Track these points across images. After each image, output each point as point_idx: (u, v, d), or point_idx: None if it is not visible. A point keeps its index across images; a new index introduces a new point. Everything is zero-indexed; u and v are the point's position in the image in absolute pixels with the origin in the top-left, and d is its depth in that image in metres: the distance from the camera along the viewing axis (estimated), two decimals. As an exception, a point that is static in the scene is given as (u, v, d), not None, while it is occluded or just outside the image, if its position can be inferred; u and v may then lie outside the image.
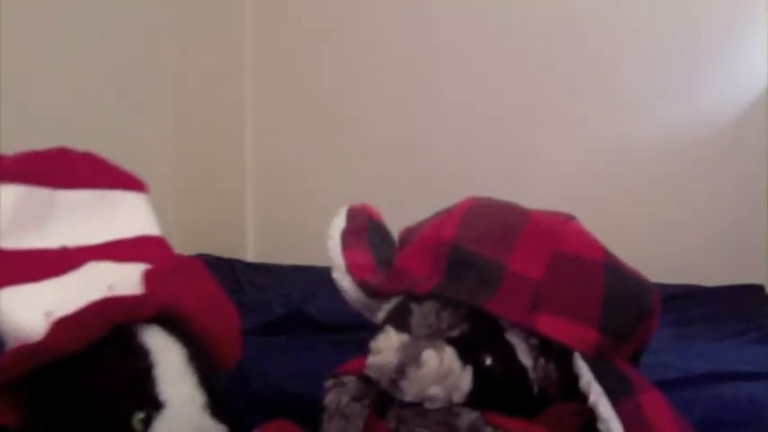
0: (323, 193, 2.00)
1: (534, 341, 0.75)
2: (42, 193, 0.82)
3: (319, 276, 1.54)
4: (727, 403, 0.90)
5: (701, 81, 1.73)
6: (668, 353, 1.04)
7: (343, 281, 0.93)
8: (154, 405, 0.67)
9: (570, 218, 0.85)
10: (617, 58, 1.78)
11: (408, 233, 0.92)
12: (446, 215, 0.87)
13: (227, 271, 1.70)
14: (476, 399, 0.72)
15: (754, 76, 1.68)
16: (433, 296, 0.77)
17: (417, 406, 0.71)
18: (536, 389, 0.75)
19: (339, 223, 1.00)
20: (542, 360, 0.75)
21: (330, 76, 2.02)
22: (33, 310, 0.69)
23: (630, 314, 0.77)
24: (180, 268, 0.82)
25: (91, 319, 0.67)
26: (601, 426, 0.66)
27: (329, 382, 0.80)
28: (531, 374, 0.75)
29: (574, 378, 0.71)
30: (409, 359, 0.71)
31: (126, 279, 0.77)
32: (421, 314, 0.76)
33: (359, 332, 1.11)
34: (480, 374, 0.73)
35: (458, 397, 0.71)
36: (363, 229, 0.99)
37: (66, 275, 0.76)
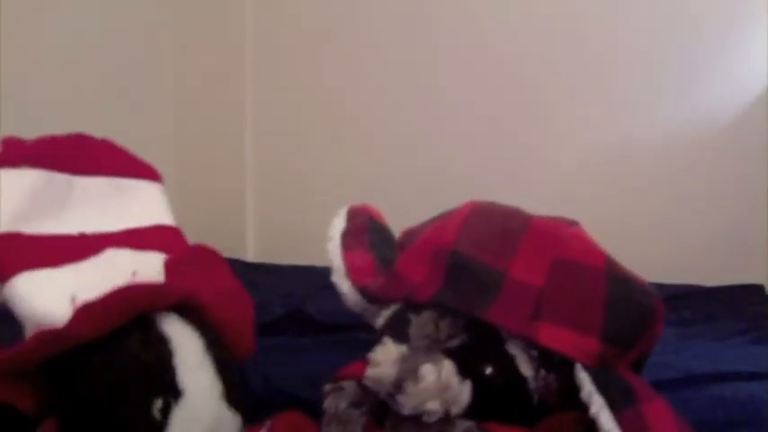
0: (323, 193, 2.00)
1: (534, 352, 0.73)
2: (61, 178, 0.82)
3: (319, 276, 1.54)
4: (728, 403, 0.90)
5: (701, 81, 1.73)
6: (668, 353, 1.04)
7: (343, 285, 0.92)
8: (173, 393, 0.67)
9: (573, 223, 0.83)
10: (617, 58, 1.78)
11: (409, 235, 0.91)
12: (446, 219, 0.86)
13: (227, 271, 1.70)
14: (475, 410, 0.71)
15: (754, 76, 1.68)
16: (432, 304, 0.76)
17: (414, 416, 0.71)
18: (536, 399, 0.74)
19: (339, 224, 0.98)
20: (543, 371, 0.74)
21: (330, 76, 2.02)
22: (52, 294, 0.69)
23: (633, 322, 0.76)
24: (199, 258, 0.82)
25: (116, 306, 0.67)
26: None
27: (328, 387, 0.79)
28: (532, 385, 0.74)
29: (575, 388, 0.70)
30: (407, 373, 0.70)
31: (147, 267, 0.77)
32: (419, 324, 0.75)
33: (359, 332, 1.11)
34: (480, 385, 0.72)
35: (456, 410, 0.71)
36: (364, 229, 0.98)
37: (85, 261, 0.75)
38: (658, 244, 1.73)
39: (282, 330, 1.24)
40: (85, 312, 0.65)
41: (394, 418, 0.72)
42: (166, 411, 0.66)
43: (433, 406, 0.69)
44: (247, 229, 2.13)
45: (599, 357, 0.71)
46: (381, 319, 0.82)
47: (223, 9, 2.08)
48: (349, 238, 0.95)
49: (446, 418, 0.70)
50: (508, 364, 0.73)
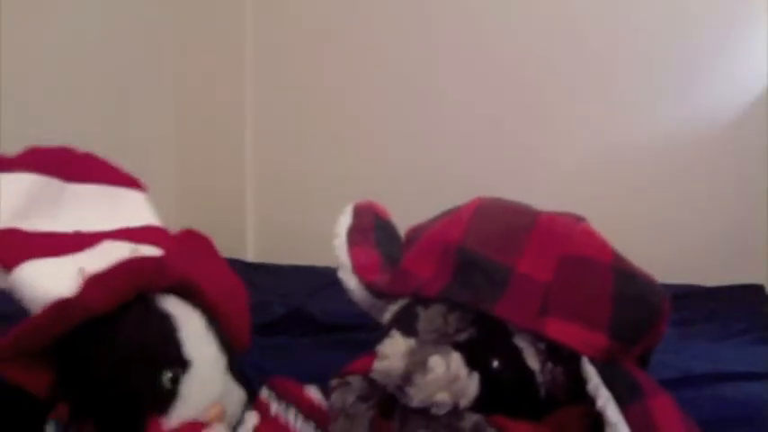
0: (323, 193, 2.00)
1: (542, 345, 0.74)
2: (55, 183, 0.85)
3: (319, 276, 1.54)
4: (728, 403, 0.90)
5: (701, 81, 1.73)
6: (668, 353, 1.04)
7: (350, 281, 0.92)
8: (180, 364, 0.69)
9: (580, 219, 0.84)
10: (617, 58, 1.78)
11: (414, 232, 0.91)
12: (453, 216, 0.86)
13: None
14: (483, 403, 0.72)
15: (754, 76, 1.69)
16: (440, 299, 0.77)
17: (422, 408, 0.71)
18: (543, 392, 0.74)
19: (345, 221, 0.98)
20: (550, 364, 0.74)
21: (330, 76, 2.02)
22: (57, 278, 0.71)
23: (640, 317, 0.76)
24: (194, 244, 0.84)
25: (122, 277, 0.69)
26: (609, 430, 0.66)
27: (334, 382, 0.79)
28: (539, 378, 0.74)
29: (582, 382, 0.70)
30: (416, 365, 0.70)
31: (144, 250, 0.79)
32: (427, 318, 0.75)
33: (359, 332, 1.11)
34: (487, 378, 0.72)
35: (465, 402, 0.71)
36: (370, 227, 0.98)
37: (83, 252, 0.77)
38: (658, 244, 1.72)
39: (282, 330, 1.25)
40: (94, 283, 0.68)
41: (402, 412, 0.72)
42: (176, 381, 0.68)
43: (442, 397, 0.70)
44: (247, 229, 2.13)
45: (606, 352, 0.72)
46: (389, 313, 0.82)
47: (223, 9, 2.08)
48: (355, 235, 0.96)
49: (455, 412, 0.70)
50: (515, 357, 0.74)
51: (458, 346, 0.73)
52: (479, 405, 0.71)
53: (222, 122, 2.11)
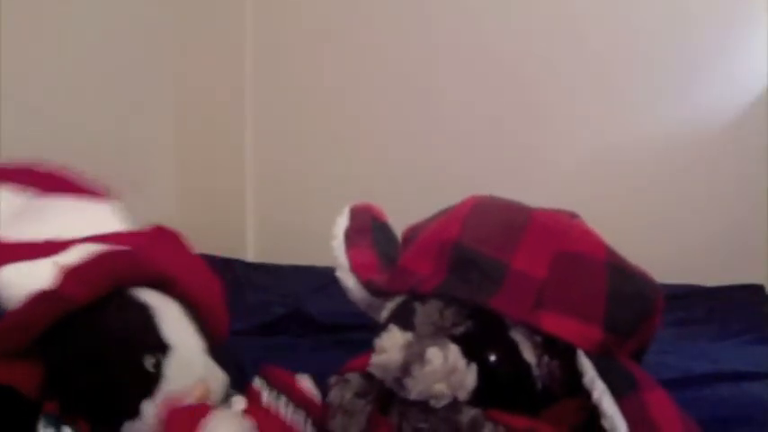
0: (323, 193, 2.00)
1: (538, 338, 0.75)
2: (27, 197, 0.88)
3: (319, 276, 1.54)
4: (727, 403, 0.90)
5: (701, 81, 1.73)
6: (668, 353, 1.04)
7: (348, 280, 0.93)
8: (161, 348, 0.71)
9: (573, 216, 0.85)
10: (617, 58, 1.78)
11: (412, 231, 0.92)
12: (449, 214, 0.87)
13: (228, 271, 1.70)
14: (480, 396, 0.72)
15: (754, 76, 1.68)
16: (437, 294, 0.77)
17: (420, 402, 0.71)
18: (540, 386, 0.75)
19: (343, 222, 1.00)
20: (546, 357, 0.75)
21: (330, 76, 2.02)
22: (35, 280, 0.72)
23: (634, 311, 0.77)
24: (163, 238, 0.86)
25: (98, 267, 0.72)
26: (605, 423, 0.66)
27: (332, 379, 0.80)
28: (535, 371, 0.75)
29: (578, 375, 0.71)
30: (414, 357, 0.71)
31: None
32: (424, 313, 0.76)
33: (359, 332, 1.11)
34: (484, 372, 0.73)
35: (463, 395, 0.71)
36: (367, 228, 1.00)
37: (59, 255, 0.79)
38: (658, 244, 1.72)
39: (282, 330, 1.25)
40: (71, 273, 0.70)
41: (401, 406, 0.73)
42: (158, 365, 0.70)
43: (441, 389, 0.70)
44: (247, 229, 2.13)
45: (600, 345, 0.73)
46: (386, 310, 0.83)
47: (223, 9, 2.08)
48: (353, 236, 0.97)
49: (453, 405, 0.71)
50: (512, 350, 0.74)
51: (455, 340, 0.73)
52: (476, 399, 0.72)
53: (222, 122, 2.11)
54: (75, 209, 0.92)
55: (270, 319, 1.29)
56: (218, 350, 0.78)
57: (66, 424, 0.69)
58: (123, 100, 1.85)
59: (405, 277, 0.83)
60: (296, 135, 2.07)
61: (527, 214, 0.83)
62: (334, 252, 0.95)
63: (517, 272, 0.76)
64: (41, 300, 0.68)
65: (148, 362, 0.70)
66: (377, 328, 0.82)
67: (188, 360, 0.72)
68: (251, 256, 2.09)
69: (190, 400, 0.70)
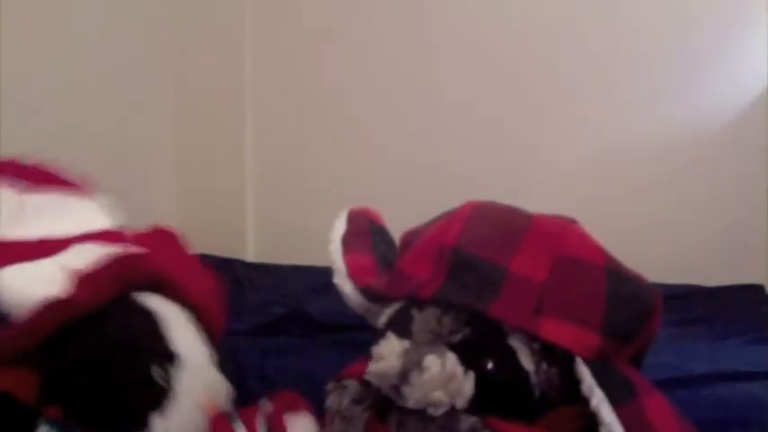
0: (323, 193, 2.00)
1: (536, 346, 0.74)
2: (11, 196, 0.86)
3: (319, 276, 1.54)
4: (727, 403, 0.90)
5: (701, 81, 1.73)
6: (668, 353, 1.04)
7: (345, 286, 0.93)
8: (168, 357, 0.69)
9: (572, 221, 0.85)
10: (617, 58, 1.78)
11: (410, 236, 0.92)
12: (448, 218, 0.87)
13: (228, 271, 1.70)
14: (478, 404, 0.72)
15: (754, 76, 1.68)
16: (435, 301, 0.77)
17: (418, 410, 0.71)
18: (537, 393, 0.75)
19: (340, 227, 0.99)
20: (544, 365, 0.75)
21: (330, 76, 2.02)
22: (36, 282, 0.71)
23: (632, 317, 0.77)
24: (163, 240, 0.85)
25: (109, 273, 0.70)
26: (603, 430, 0.66)
27: (330, 385, 0.80)
28: (533, 379, 0.74)
29: (576, 382, 0.71)
30: (412, 364, 0.71)
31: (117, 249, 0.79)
32: (422, 320, 0.76)
33: (359, 332, 1.11)
34: (482, 379, 0.72)
35: (461, 402, 0.71)
36: (364, 232, 0.99)
37: (58, 255, 0.78)
38: (658, 244, 1.73)
39: (282, 330, 1.25)
40: (82, 280, 0.68)
41: (398, 414, 0.73)
42: (167, 377, 0.68)
43: (438, 396, 0.70)
44: (247, 229, 2.13)
45: (599, 351, 0.72)
46: (384, 316, 0.83)
47: (223, 9, 2.08)
48: (350, 241, 0.97)
49: (451, 413, 0.71)
50: (510, 357, 0.74)
51: (452, 348, 0.73)
52: (474, 406, 0.72)
53: (222, 122, 2.11)
54: (63, 205, 0.90)
55: (270, 319, 1.29)
56: (221, 356, 0.76)
57: (71, 430, 0.68)
58: (123, 100, 1.85)
59: (403, 281, 0.83)
60: (296, 135, 2.07)
61: (526, 219, 0.83)
62: (332, 257, 0.95)
63: (516, 276, 0.76)
64: (55, 307, 0.66)
65: (156, 372, 0.68)
66: (375, 333, 0.81)
67: (197, 371, 0.70)
68: (251, 256, 2.09)
69: (200, 413, 0.68)
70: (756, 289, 1.54)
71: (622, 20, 1.77)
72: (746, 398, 0.91)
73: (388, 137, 1.98)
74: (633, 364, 0.79)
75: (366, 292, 0.90)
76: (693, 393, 0.90)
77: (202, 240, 1.97)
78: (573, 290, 0.76)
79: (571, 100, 1.82)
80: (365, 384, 0.76)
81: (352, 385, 0.78)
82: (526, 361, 0.74)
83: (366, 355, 0.77)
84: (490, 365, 0.73)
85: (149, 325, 0.71)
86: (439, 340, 0.74)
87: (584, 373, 0.70)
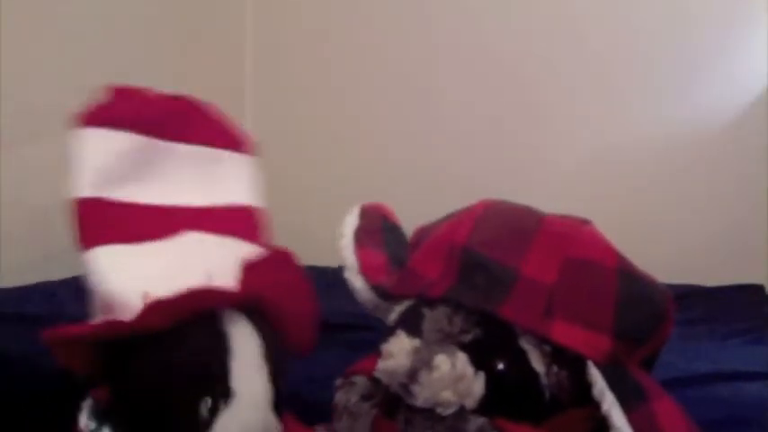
0: (323, 193, 2.00)
1: (547, 348, 0.74)
2: (154, 143, 0.79)
3: (320, 276, 1.54)
4: (728, 403, 0.90)
5: (701, 81, 1.73)
6: (668, 353, 1.04)
7: (356, 281, 0.92)
8: (223, 394, 0.65)
9: (585, 222, 0.84)
10: (617, 58, 1.78)
11: (422, 233, 0.91)
12: (460, 217, 0.86)
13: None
14: (487, 404, 0.71)
15: (754, 76, 1.69)
16: (446, 300, 0.77)
17: (426, 410, 0.71)
18: (548, 395, 0.74)
19: (352, 222, 0.98)
20: (555, 367, 0.74)
21: (330, 76, 2.02)
22: (129, 275, 0.68)
23: (644, 320, 0.76)
24: (273, 258, 0.80)
25: (183, 307, 0.65)
26: None
27: (339, 381, 0.80)
28: (544, 381, 0.74)
29: (587, 385, 0.71)
30: (421, 363, 0.70)
31: (224, 257, 0.74)
32: (433, 319, 0.75)
33: (360, 332, 1.11)
34: (492, 380, 0.72)
35: (470, 403, 0.71)
36: (377, 228, 0.98)
37: (165, 241, 0.73)
38: (658, 244, 1.73)
39: (282, 330, 1.24)
40: (153, 309, 0.64)
41: (406, 412, 0.72)
42: (215, 411, 0.64)
43: (447, 396, 0.70)
44: (247, 229, 2.13)
45: (610, 354, 0.72)
46: (395, 314, 0.82)
47: (223, 9, 2.08)
48: (362, 236, 0.96)
49: (459, 414, 0.70)
50: (521, 359, 0.73)
51: (463, 347, 0.73)
52: (483, 407, 0.71)
53: (222, 122, 2.11)
54: (204, 162, 0.82)
55: (270, 319, 1.28)
56: (280, 395, 0.71)
57: (109, 423, 0.66)
58: (123, 100, 1.85)
59: (413, 280, 0.82)
60: (296, 135, 2.07)
61: (537, 219, 0.82)
62: (343, 252, 0.94)
63: (527, 278, 0.75)
64: (114, 327, 0.63)
65: (206, 404, 0.63)
66: (381, 330, 0.81)
67: (247, 413, 0.65)
68: (251, 256, 2.08)
69: None
70: (756, 289, 1.54)
71: (622, 20, 1.78)
72: (746, 398, 0.91)
73: (388, 137, 1.98)
74: (644, 368, 0.79)
75: (377, 289, 0.89)
76: (693, 393, 0.90)
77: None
78: (584, 292, 0.75)
79: (571, 100, 1.83)
80: (374, 381, 0.76)
81: (361, 381, 0.78)
82: (537, 363, 0.74)
83: (375, 354, 0.77)
84: (501, 366, 0.73)
85: (217, 354, 0.66)
86: (449, 340, 0.73)
87: (596, 376, 0.70)
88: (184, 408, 0.64)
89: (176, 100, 0.87)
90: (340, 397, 0.77)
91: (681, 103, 1.75)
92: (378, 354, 0.76)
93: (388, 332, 0.78)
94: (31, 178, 1.53)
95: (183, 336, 0.65)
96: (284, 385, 0.71)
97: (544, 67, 1.83)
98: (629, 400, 0.67)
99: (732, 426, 0.85)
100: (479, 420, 0.70)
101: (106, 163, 0.74)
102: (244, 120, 2.10)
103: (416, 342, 0.73)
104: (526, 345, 0.74)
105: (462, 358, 0.71)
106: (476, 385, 0.71)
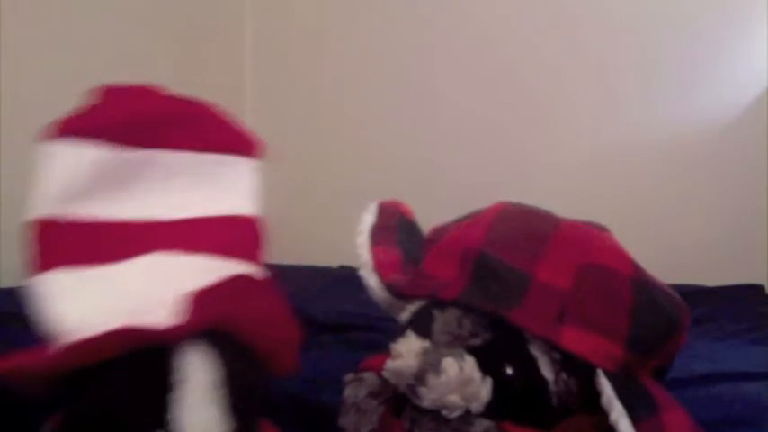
0: (323, 193, 2.00)
1: (557, 355, 0.73)
2: (136, 154, 0.71)
3: (320, 276, 1.54)
4: (727, 403, 0.90)
5: (701, 81, 1.73)
6: (668, 353, 1.04)
7: (370, 279, 0.91)
8: (165, 429, 0.61)
9: (602, 229, 0.83)
10: (617, 59, 1.78)
11: (437, 234, 0.91)
12: (475, 219, 0.85)
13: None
14: (494, 409, 0.71)
15: (754, 76, 1.69)
16: (457, 303, 0.76)
17: (433, 411, 0.71)
18: (555, 402, 0.74)
19: (369, 219, 0.98)
20: (564, 374, 0.73)
21: (330, 76, 2.02)
22: (78, 302, 0.64)
23: (658, 330, 0.75)
24: (232, 284, 0.74)
25: (111, 344, 0.61)
26: None
27: (348, 377, 0.80)
28: (552, 387, 0.73)
29: (596, 393, 0.70)
30: (429, 365, 0.70)
31: (189, 279, 0.67)
32: (443, 321, 0.75)
33: (361, 332, 1.11)
34: (500, 385, 0.72)
35: (477, 407, 0.70)
36: (394, 226, 0.97)
37: (128, 262, 0.68)
38: (658, 244, 1.72)
39: (283, 330, 1.24)
40: (78, 345, 0.60)
41: (413, 412, 0.72)
42: None
43: (454, 399, 0.69)
44: (247, 229, 2.13)
45: (621, 363, 0.71)
46: (407, 313, 0.82)
47: (223, 9, 2.08)
48: (378, 234, 0.95)
49: (465, 416, 0.70)
50: (529, 365, 0.73)
51: (472, 351, 0.72)
52: (490, 410, 0.71)
53: (222, 122, 2.11)
54: (198, 171, 0.76)
55: (270, 319, 1.28)
56: (249, 422, 0.67)
57: None
58: (123, 100, 1.85)
59: (426, 281, 0.82)
60: (296, 135, 2.07)
61: (553, 224, 0.81)
62: (358, 249, 0.93)
63: (540, 284, 0.74)
64: (35, 363, 0.59)
65: None
66: (381, 330, 0.81)
67: None
68: (251, 256, 2.08)
69: None
70: (756, 289, 1.54)
71: (622, 20, 1.78)
72: (746, 398, 0.91)
73: (388, 137, 1.98)
74: (657, 378, 0.78)
75: (391, 287, 0.89)
76: (693, 393, 0.90)
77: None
78: (598, 300, 0.74)
79: (571, 100, 1.83)
80: (383, 378, 0.76)
81: (370, 378, 0.77)
82: (546, 369, 0.73)
83: (386, 352, 0.77)
84: (509, 371, 0.72)
85: (160, 389, 0.63)
86: (458, 342, 0.73)
87: (605, 385, 0.69)
88: None
89: (175, 102, 0.79)
90: (349, 392, 0.77)
91: (681, 103, 1.75)
92: (388, 352, 0.76)
93: (399, 331, 0.78)
94: (30, 178, 1.53)
95: (123, 369, 0.62)
96: (258, 409, 0.68)
97: (544, 67, 1.83)
98: (638, 410, 0.66)
99: (732, 426, 0.85)
100: (485, 423, 0.69)
101: (71, 178, 0.67)
102: (244, 120, 2.11)
103: (425, 343, 0.73)
104: (536, 351, 0.73)
105: (470, 362, 0.71)
106: (483, 390, 0.71)
